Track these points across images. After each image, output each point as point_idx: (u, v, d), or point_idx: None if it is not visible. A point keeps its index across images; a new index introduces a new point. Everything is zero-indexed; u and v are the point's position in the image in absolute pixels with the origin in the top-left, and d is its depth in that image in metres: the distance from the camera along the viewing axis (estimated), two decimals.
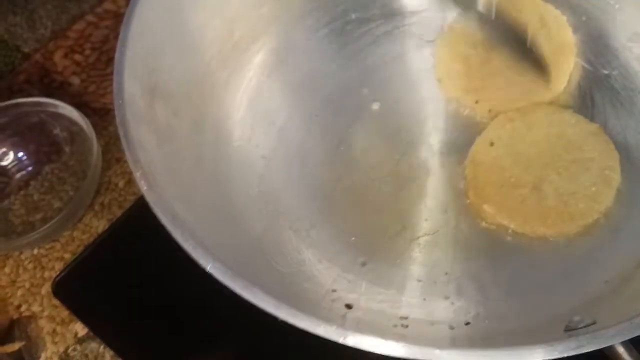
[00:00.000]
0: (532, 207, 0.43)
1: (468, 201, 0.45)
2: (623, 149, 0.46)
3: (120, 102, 0.36)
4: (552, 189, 0.43)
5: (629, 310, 0.31)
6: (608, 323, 0.29)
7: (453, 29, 0.51)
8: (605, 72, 0.49)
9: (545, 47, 0.48)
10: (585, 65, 0.49)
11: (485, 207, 0.44)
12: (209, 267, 0.30)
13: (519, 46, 0.49)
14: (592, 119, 0.47)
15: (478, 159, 0.45)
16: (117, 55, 0.38)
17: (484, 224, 0.44)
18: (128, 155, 0.34)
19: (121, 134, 0.35)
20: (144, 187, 0.33)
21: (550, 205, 0.43)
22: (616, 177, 0.44)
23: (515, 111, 0.47)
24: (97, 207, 0.56)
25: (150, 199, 0.32)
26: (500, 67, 0.49)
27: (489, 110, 0.47)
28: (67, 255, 0.54)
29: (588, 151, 0.45)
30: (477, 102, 0.47)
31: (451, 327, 0.40)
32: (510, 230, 0.43)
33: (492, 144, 0.45)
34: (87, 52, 0.67)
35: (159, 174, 0.35)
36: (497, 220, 0.43)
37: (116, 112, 0.36)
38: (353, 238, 0.45)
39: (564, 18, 0.49)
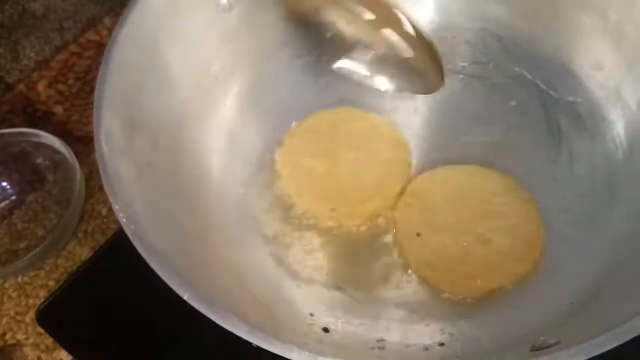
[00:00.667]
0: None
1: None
2: (589, 175, 0.47)
3: (99, 136, 0.37)
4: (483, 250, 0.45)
5: (592, 330, 0.32)
6: (572, 342, 0.31)
7: (289, 143, 0.52)
8: (571, 99, 0.51)
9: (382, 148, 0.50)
10: (552, 93, 0.51)
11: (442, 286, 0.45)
12: (186, 296, 0.31)
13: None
14: (559, 144, 0.49)
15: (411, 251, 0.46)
16: (96, 93, 0.39)
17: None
18: (107, 189, 0.35)
19: (100, 167, 0.36)
20: (122, 220, 0.34)
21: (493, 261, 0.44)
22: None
23: (410, 195, 0.48)
24: (80, 235, 0.57)
25: (129, 231, 0.33)
26: (345, 171, 0.50)
27: (348, 215, 0.47)
28: (52, 283, 0.54)
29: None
30: (333, 209, 0.48)
31: (425, 349, 0.41)
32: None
33: (418, 235, 0.46)
34: (71, 81, 0.68)
35: (138, 206, 0.36)
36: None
37: (95, 147, 0.37)
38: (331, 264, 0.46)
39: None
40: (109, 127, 0.38)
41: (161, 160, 0.42)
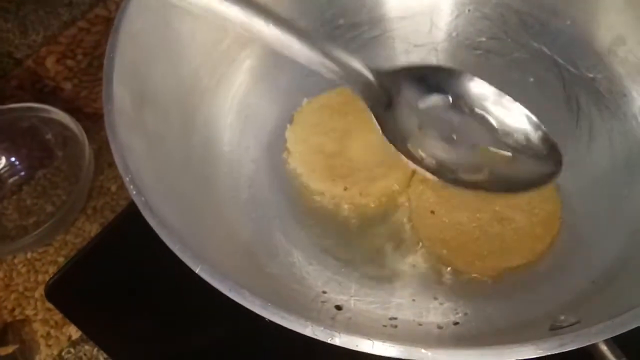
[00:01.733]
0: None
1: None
2: (609, 152, 0.46)
3: (110, 108, 0.36)
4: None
5: (613, 309, 0.31)
6: (592, 321, 0.30)
7: (300, 120, 0.50)
8: (591, 75, 0.49)
9: None
10: (571, 69, 0.50)
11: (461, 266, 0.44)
12: (198, 269, 0.31)
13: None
14: (578, 121, 0.48)
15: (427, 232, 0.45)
16: (105, 63, 0.38)
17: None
18: (117, 161, 0.34)
19: (110, 139, 0.35)
20: (133, 192, 0.33)
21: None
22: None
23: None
24: (89, 211, 0.57)
25: (140, 203, 0.33)
26: (357, 149, 0.48)
27: (360, 194, 0.46)
28: (60, 259, 0.54)
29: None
30: (345, 189, 0.46)
31: (439, 327, 0.40)
32: None
33: (432, 212, 0.45)
34: (79, 57, 0.67)
35: (148, 179, 0.35)
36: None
37: (105, 118, 0.36)
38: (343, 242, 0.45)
39: None
40: (120, 99, 0.37)
41: (172, 135, 0.42)
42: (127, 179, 0.33)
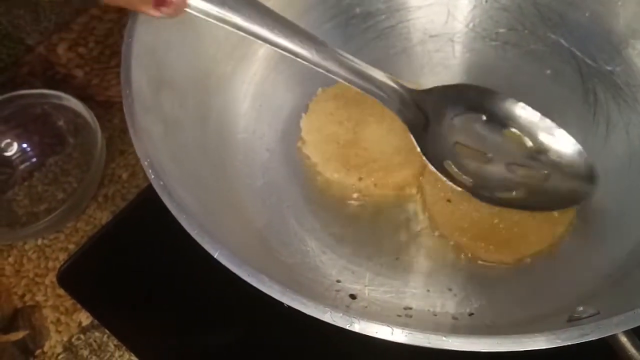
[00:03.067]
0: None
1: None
2: (626, 145, 0.46)
3: (128, 92, 0.36)
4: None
5: (631, 302, 0.31)
6: (612, 313, 0.30)
7: (315, 109, 0.50)
8: (609, 68, 0.49)
9: None
10: (589, 62, 0.50)
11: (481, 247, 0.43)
12: (217, 254, 0.31)
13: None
14: (595, 114, 0.48)
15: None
16: (124, 47, 0.38)
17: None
18: (136, 144, 0.34)
19: (129, 123, 0.35)
20: (151, 176, 0.33)
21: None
22: None
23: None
24: (100, 199, 0.56)
25: (158, 187, 0.33)
26: (372, 139, 0.48)
27: (374, 185, 0.46)
28: (71, 246, 0.54)
29: None
30: (360, 179, 0.46)
31: (454, 318, 0.40)
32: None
33: (449, 201, 0.45)
34: (91, 45, 0.67)
35: (166, 163, 0.35)
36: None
37: (124, 102, 0.36)
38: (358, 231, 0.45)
39: None
40: (138, 83, 0.37)
41: (188, 120, 0.41)
42: (146, 162, 0.33)
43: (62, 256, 0.53)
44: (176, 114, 0.40)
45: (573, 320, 0.32)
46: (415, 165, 0.47)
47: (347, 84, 0.41)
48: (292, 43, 0.39)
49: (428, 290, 0.42)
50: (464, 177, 0.43)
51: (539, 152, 0.44)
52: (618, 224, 0.43)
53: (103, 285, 0.50)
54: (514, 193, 0.43)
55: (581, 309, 0.33)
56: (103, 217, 0.55)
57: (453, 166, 0.43)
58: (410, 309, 0.40)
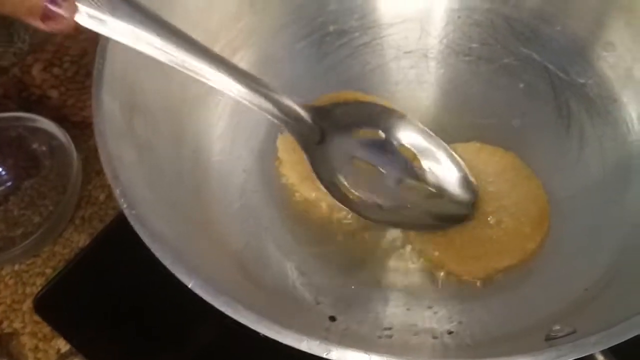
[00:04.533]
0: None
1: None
2: (600, 158, 0.46)
3: (99, 118, 0.36)
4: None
5: (608, 318, 0.31)
6: (588, 331, 0.30)
7: None
8: (581, 81, 0.50)
9: None
10: (561, 75, 0.50)
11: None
12: (191, 284, 0.30)
13: None
14: (568, 127, 0.48)
15: None
16: (95, 72, 0.37)
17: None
18: (107, 172, 0.34)
19: (100, 150, 0.35)
20: (124, 205, 0.33)
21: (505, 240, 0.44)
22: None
23: None
24: (77, 222, 0.56)
25: (130, 216, 0.32)
26: None
27: None
28: (49, 271, 0.53)
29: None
30: None
31: (435, 337, 0.40)
32: None
33: None
34: (66, 65, 0.66)
35: (139, 190, 0.35)
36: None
37: (95, 129, 0.36)
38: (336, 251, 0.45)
39: None
40: (109, 107, 0.37)
41: (162, 145, 0.41)
42: (118, 191, 0.33)
43: (40, 281, 0.53)
44: (150, 139, 0.40)
45: (550, 340, 0.32)
46: None
47: (236, 98, 0.40)
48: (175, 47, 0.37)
49: (408, 309, 0.42)
50: (352, 191, 0.44)
51: (430, 171, 0.45)
52: (593, 238, 0.43)
53: (81, 311, 0.49)
54: (402, 210, 0.45)
55: (557, 327, 0.33)
56: (80, 240, 0.55)
57: (344, 181, 0.44)
58: (390, 329, 0.40)
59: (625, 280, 0.38)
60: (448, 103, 0.51)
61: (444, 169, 0.45)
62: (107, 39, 0.38)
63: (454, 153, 0.46)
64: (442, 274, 0.43)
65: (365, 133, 0.45)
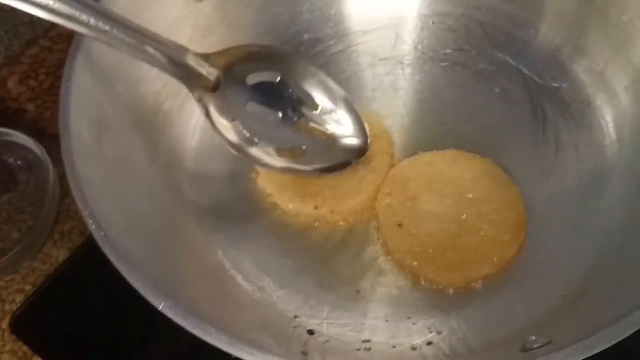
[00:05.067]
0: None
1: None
2: (576, 162, 0.46)
3: (66, 140, 0.35)
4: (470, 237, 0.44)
5: (584, 328, 0.31)
6: (564, 342, 0.30)
7: None
8: (556, 85, 0.50)
9: None
10: (536, 79, 0.50)
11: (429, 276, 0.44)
12: (161, 307, 0.30)
13: None
14: (544, 132, 0.48)
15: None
16: (62, 92, 0.37)
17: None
18: (75, 194, 0.33)
19: (68, 172, 0.34)
20: (92, 227, 0.32)
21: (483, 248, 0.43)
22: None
23: (390, 184, 0.47)
24: (56, 236, 0.55)
25: (99, 239, 0.32)
26: None
27: (331, 212, 0.46)
28: (28, 287, 0.53)
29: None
30: (316, 207, 0.46)
31: (414, 349, 0.40)
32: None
33: (400, 225, 0.45)
34: (42, 77, 0.65)
35: (108, 211, 0.34)
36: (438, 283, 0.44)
37: (62, 150, 0.35)
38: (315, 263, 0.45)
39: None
40: (77, 128, 0.36)
41: (134, 161, 0.41)
42: (86, 213, 0.33)
43: (19, 298, 0.52)
44: (120, 156, 0.39)
45: (525, 351, 0.32)
46: (370, 190, 0.46)
47: (125, 52, 0.39)
48: None
49: (387, 320, 0.42)
50: (249, 135, 0.44)
51: (326, 112, 0.46)
52: (570, 243, 0.43)
53: (59, 329, 0.49)
54: (298, 152, 0.46)
55: (533, 338, 0.33)
56: (60, 255, 0.54)
57: (240, 125, 0.44)
58: (369, 341, 0.40)
59: (602, 286, 0.38)
60: (425, 110, 0.51)
61: (338, 112, 0.46)
62: (72, 60, 0.38)
63: (348, 97, 0.47)
64: (421, 284, 0.43)
65: (261, 76, 0.45)
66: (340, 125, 0.46)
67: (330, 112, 0.46)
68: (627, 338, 0.29)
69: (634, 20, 0.44)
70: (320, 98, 0.46)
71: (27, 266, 0.54)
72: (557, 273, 0.42)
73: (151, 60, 0.40)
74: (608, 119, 0.47)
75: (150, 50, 0.40)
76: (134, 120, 0.42)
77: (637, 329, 0.30)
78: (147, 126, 0.44)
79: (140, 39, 0.39)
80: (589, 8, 0.47)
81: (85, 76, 0.39)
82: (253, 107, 0.45)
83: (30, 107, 0.63)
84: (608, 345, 0.29)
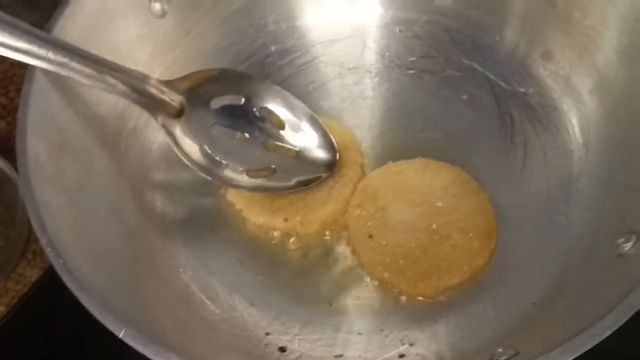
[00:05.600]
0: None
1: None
2: (544, 167, 0.46)
3: (23, 165, 0.35)
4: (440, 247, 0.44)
5: (552, 338, 0.31)
6: (530, 353, 0.30)
7: None
8: (522, 90, 0.50)
9: None
10: (503, 84, 0.50)
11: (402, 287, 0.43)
12: (121, 334, 0.30)
13: None
14: (512, 137, 0.48)
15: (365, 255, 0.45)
16: (19, 116, 0.37)
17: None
18: (33, 221, 0.33)
19: (25, 198, 0.34)
20: (50, 254, 0.32)
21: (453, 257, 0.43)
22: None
23: (360, 195, 0.47)
24: (30, 256, 0.54)
25: (57, 265, 0.32)
26: None
27: (301, 224, 0.46)
28: (2, 308, 0.52)
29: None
30: (286, 220, 0.46)
31: None
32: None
33: (370, 237, 0.45)
34: (12, 94, 0.65)
35: (68, 237, 0.34)
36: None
37: (19, 175, 0.35)
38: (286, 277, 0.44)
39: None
40: (34, 151, 0.36)
41: (96, 184, 0.40)
42: (44, 241, 0.32)
43: None
44: (82, 179, 0.39)
45: None
46: (339, 200, 0.46)
47: (87, 82, 0.38)
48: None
49: (360, 334, 0.41)
50: (217, 158, 0.45)
51: (292, 129, 0.47)
52: (540, 249, 0.43)
53: (35, 349, 0.48)
54: (266, 172, 0.46)
55: (500, 350, 0.33)
56: (34, 274, 0.54)
57: (209, 150, 0.45)
58: (342, 356, 0.40)
59: (569, 293, 0.38)
60: (393, 118, 0.51)
61: (304, 129, 0.47)
62: (29, 83, 0.37)
63: (313, 113, 0.47)
64: (393, 295, 0.43)
65: (225, 99, 0.46)
66: (308, 142, 0.47)
67: (297, 129, 0.47)
68: (609, 336, 0.29)
69: (596, 24, 0.45)
70: (286, 116, 0.47)
71: (1, 287, 0.53)
72: (527, 279, 0.42)
73: (112, 89, 0.40)
74: (574, 123, 0.47)
75: (110, 79, 0.39)
76: (96, 141, 0.42)
77: (601, 339, 0.29)
78: (110, 147, 0.43)
79: (99, 69, 0.39)
80: (552, 12, 0.47)
81: (43, 99, 0.38)
82: (219, 130, 0.45)
83: (1, 124, 0.62)
84: (573, 357, 0.29)
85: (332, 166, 0.46)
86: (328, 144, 0.47)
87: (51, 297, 0.50)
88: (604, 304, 0.31)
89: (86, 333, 0.46)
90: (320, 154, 0.46)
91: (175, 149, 0.44)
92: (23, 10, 0.66)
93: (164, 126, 0.43)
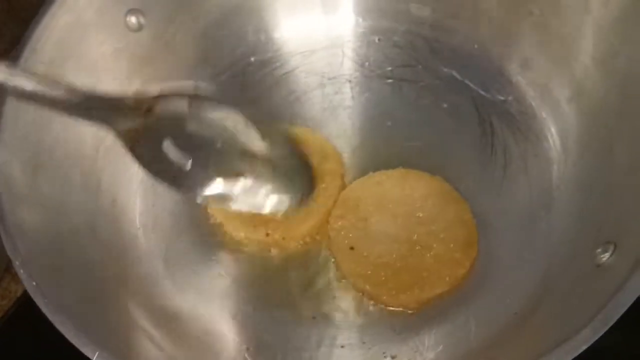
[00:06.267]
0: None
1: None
2: (525, 175, 0.46)
3: None
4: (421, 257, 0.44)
5: (530, 352, 0.31)
6: None
7: None
8: (501, 98, 0.49)
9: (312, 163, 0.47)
10: (482, 93, 0.50)
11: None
12: (94, 357, 0.29)
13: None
14: (493, 145, 0.48)
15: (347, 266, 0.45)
16: None
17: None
18: (6, 243, 0.33)
19: None
20: (23, 276, 0.32)
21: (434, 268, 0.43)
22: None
23: (341, 206, 0.46)
24: (14, 270, 0.54)
25: (30, 287, 0.31)
26: None
27: (283, 238, 0.45)
28: None
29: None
30: (267, 234, 0.45)
31: None
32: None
33: (352, 248, 0.44)
34: None
35: (44, 257, 0.33)
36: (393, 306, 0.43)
37: None
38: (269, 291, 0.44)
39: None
40: (8, 170, 0.35)
41: (73, 201, 0.40)
42: (17, 262, 0.32)
43: None
44: (58, 196, 0.39)
45: None
46: (321, 212, 0.46)
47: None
48: None
49: (342, 347, 0.41)
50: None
51: (269, 156, 0.43)
52: (522, 258, 0.43)
53: None
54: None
55: None
56: (19, 289, 0.53)
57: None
58: None
59: (550, 304, 0.38)
60: (373, 128, 0.51)
61: (281, 153, 0.44)
62: (3, 100, 0.37)
63: (286, 131, 0.45)
64: (375, 306, 0.43)
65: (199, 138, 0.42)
66: (286, 164, 0.44)
67: (275, 156, 0.44)
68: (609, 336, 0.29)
69: (573, 33, 0.44)
70: (260, 146, 0.43)
71: None
72: (509, 289, 0.42)
73: (80, 115, 0.37)
74: (553, 131, 0.47)
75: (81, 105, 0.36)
76: (73, 158, 0.42)
77: (578, 353, 0.29)
78: (87, 164, 0.43)
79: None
80: (529, 21, 0.47)
81: (17, 117, 0.38)
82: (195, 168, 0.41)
83: None
84: None
85: (312, 187, 0.45)
86: (306, 164, 0.45)
87: (36, 312, 0.50)
88: (582, 317, 0.31)
89: (71, 349, 0.46)
90: (299, 175, 0.45)
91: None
92: (7, 19, 0.66)
93: (131, 150, 0.39)
